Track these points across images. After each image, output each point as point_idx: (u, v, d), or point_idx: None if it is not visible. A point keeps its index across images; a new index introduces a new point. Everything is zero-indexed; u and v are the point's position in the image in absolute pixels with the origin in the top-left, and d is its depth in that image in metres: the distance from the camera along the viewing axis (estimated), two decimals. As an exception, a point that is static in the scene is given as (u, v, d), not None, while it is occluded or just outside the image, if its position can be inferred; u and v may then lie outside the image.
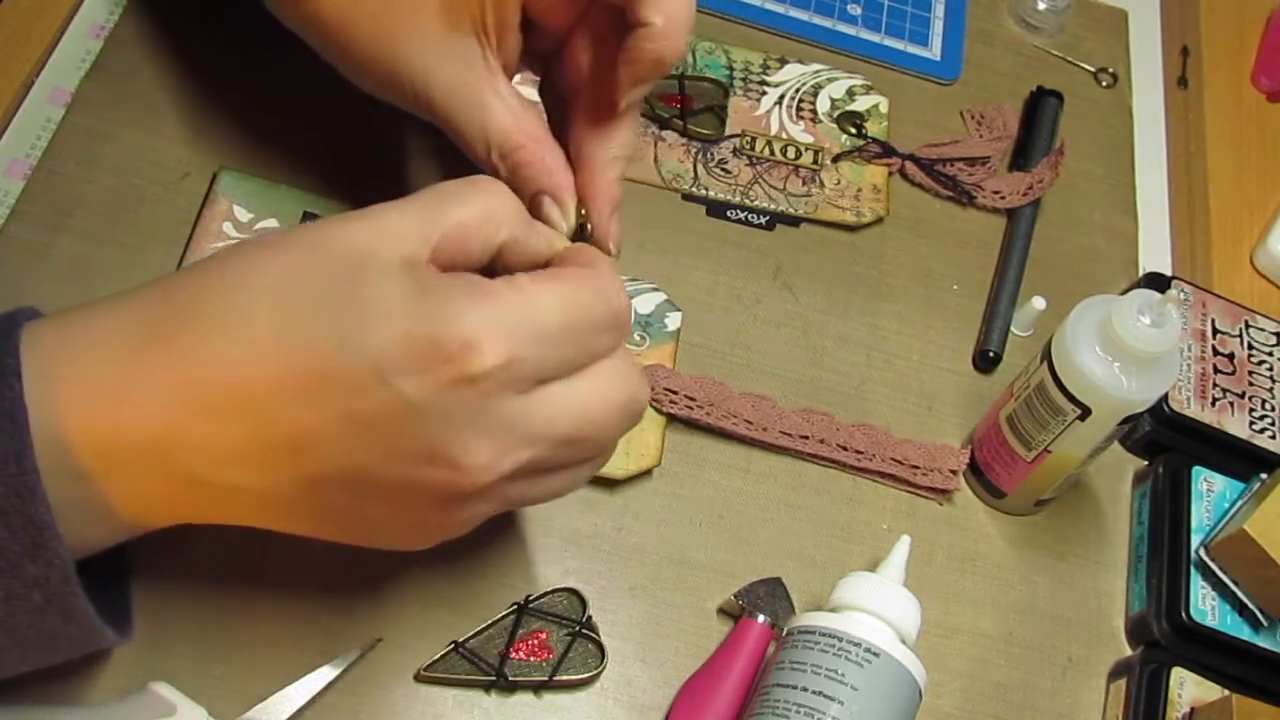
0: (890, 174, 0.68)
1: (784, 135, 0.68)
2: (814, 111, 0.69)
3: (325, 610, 0.50)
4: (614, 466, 0.55)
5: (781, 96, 0.69)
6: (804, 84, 0.70)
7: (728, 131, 0.67)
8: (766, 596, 0.53)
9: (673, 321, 0.60)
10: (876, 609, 0.49)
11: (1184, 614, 0.55)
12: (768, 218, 0.65)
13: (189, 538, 0.50)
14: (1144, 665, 0.55)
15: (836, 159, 0.67)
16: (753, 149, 0.66)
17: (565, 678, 0.50)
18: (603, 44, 0.47)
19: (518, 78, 0.62)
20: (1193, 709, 0.53)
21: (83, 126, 0.58)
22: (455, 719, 0.50)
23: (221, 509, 0.40)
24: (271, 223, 0.57)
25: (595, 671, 0.51)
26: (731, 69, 0.69)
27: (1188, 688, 0.54)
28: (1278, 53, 0.76)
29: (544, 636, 0.51)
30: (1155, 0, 0.81)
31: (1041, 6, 0.76)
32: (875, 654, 0.47)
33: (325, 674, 0.48)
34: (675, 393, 0.57)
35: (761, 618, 0.53)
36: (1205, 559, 0.56)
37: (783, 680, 0.48)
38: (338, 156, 0.60)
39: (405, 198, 0.39)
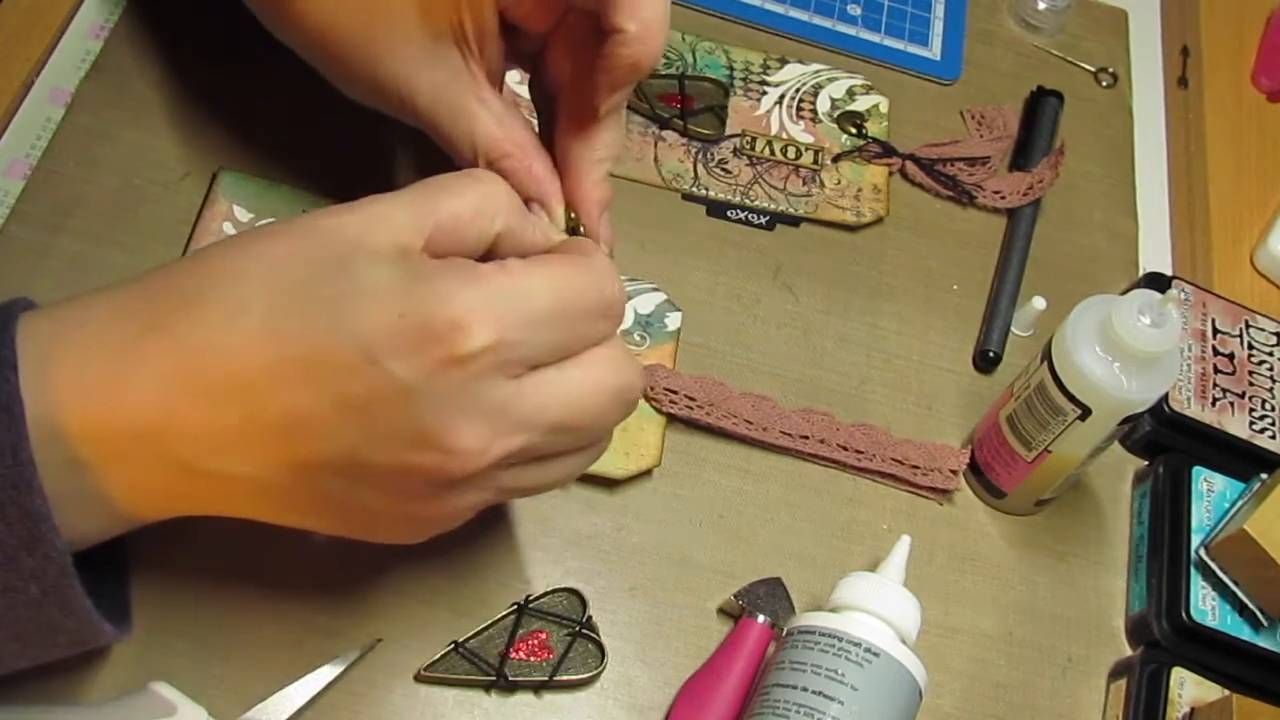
0: (890, 174, 0.68)
1: (784, 135, 0.68)
2: (814, 111, 0.69)
3: (325, 610, 0.50)
4: (614, 466, 0.55)
5: (781, 96, 0.69)
6: (804, 84, 0.70)
7: (728, 131, 0.67)
8: (766, 596, 0.53)
9: (673, 321, 0.60)
10: (876, 609, 0.49)
11: (1184, 614, 0.55)
12: (768, 218, 0.65)
13: (189, 537, 0.50)
14: (1144, 665, 0.55)
15: (836, 159, 0.67)
16: (753, 149, 0.66)
17: (565, 678, 0.50)
18: (581, 48, 0.47)
19: (517, 77, 0.63)
20: (1193, 709, 0.53)
21: (83, 126, 0.58)
22: (455, 719, 0.50)
23: (217, 498, 0.40)
24: (271, 223, 0.57)
25: (595, 671, 0.51)
26: (731, 69, 0.69)
27: (1188, 688, 0.54)
28: (1278, 53, 0.76)
29: (544, 636, 0.51)
30: (1155, 0, 0.82)
31: (1041, 6, 0.76)
32: (875, 654, 0.47)
33: (325, 674, 0.48)
34: (675, 393, 0.57)
35: (761, 618, 0.53)
36: (1205, 559, 0.56)
37: (783, 680, 0.48)
38: (337, 156, 0.60)
39: (401, 189, 0.40)
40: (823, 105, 0.69)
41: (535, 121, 0.51)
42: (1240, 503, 0.58)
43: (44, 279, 0.54)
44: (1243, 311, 0.65)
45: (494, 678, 0.50)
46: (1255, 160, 0.73)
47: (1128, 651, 0.58)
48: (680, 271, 0.62)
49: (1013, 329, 0.65)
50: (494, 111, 0.47)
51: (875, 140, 0.68)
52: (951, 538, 0.59)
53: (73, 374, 0.37)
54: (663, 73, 0.67)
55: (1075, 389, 0.52)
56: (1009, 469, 0.57)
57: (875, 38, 0.73)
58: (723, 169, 0.66)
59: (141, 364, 0.37)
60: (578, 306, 0.39)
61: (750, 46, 0.71)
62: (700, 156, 0.66)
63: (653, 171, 0.65)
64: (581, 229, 0.47)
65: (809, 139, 0.68)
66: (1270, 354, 0.64)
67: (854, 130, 0.69)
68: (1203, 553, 0.57)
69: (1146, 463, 0.63)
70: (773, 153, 0.67)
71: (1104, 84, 0.76)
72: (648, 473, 0.56)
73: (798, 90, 0.70)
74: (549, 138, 0.49)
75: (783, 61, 0.70)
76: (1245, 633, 0.56)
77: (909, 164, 0.68)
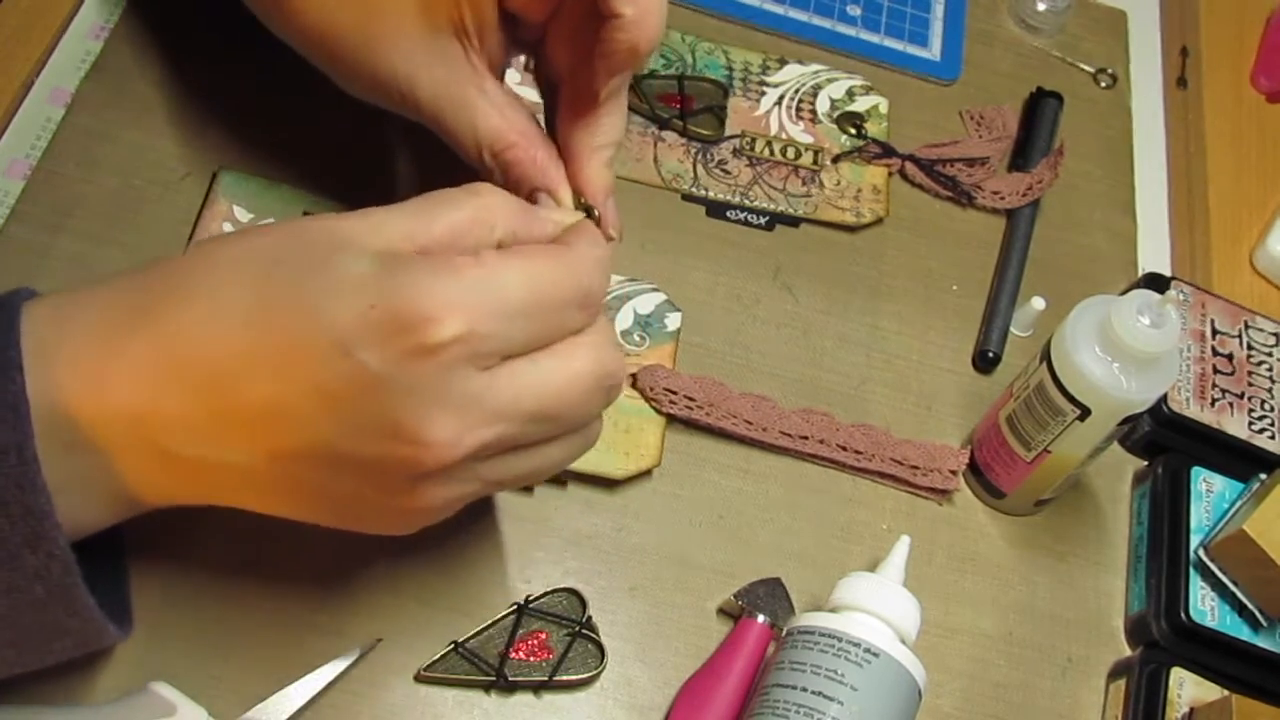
0: (890, 174, 0.68)
1: (784, 136, 0.68)
2: (814, 112, 0.69)
3: (325, 610, 0.50)
4: (614, 466, 0.55)
5: (781, 97, 0.69)
6: (804, 84, 0.70)
7: (727, 132, 0.67)
8: (766, 596, 0.53)
9: (673, 321, 0.60)
10: (876, 609, 0.49)
11: (1183, 614, 0.55)
12: (767, 218, 0.65)
13: (189, 537, 0.50)
14: (1144, 665, 0.55)
15: (836, 159, 0.68)
16: (752, 149, 0.66)
17: (565, 678, 0.50)
18: (580, 35, 0.47)
19: (517, 76, 0.63)
20: (1192, 709, 0.53)
21: (83, 126, 0.58)
22: (455, 719, 0.50)
23: (204, 486, 0.41)
24: (271, 223, 0.57)
25: (595, 672, 0.51)
26: (731, 69, 0.69)
27: (1187, 688, 0.54)
28: (1278, 53, 0.76)
29: (544, 637, 0.51)
30: (1155, 0, 0.82)
31: (1041, 7, 0.76)
32: (875, 654, 0.47)
33: (325, 674, 0.48)
34: (675, 393, 0.57)
35: (761, 618, 0.53)
36: (1205, 559, 0.56)
37: (782, 680, 0.48)
38: (337, 156, 0.60)
39: (400, 203, 0.40)
40: (822, 106, 0.69)
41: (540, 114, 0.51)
42: (1239, 503, 0.58)
43: (44, 279, 0.54)
44: (1242, 312, 0.65)
45: (494, 678, 0.50)
46: (1255, 160, 0.73)
47: (1127, 651, 0.58)
48: (680, 272, 0.62)
49: (1012, 329, 0.65)
50: (496, 103, 0.47)
51: (875, 141, 0.68)
52: (951, 538, 0.59)
53: (69, 362, 0.38)
54: (662, 73, 0.67)
55: (1075, 389, 0.52)
56: (1009, 469, 0.57)
57: (875, 38, 0.73)
58: (722, 169, 0.66)
59: (126, 351, 0.38)
60: (553, 297, 0.39)
61: (750, 47, 0.71)
62: (700, 157, 0.66)
63: (652, 172, 0.65)
64: (596, 212, 0.47)
65: (809, 139, 0.68)
66: (1269, 354, 0.64)
67: (854, 131, 0.69)
68: (1202, 553, 0.57)
69: (1146, 463, 0.63)
70: (772, 153, 0.67)
71: (1103, 85, 0.76)
72: (648, 473, 0.56)
73: (797, 91, 0.70)
74: (553, 127, 0.49)
75: (782, 62, 0.70)
76: (1244, 633, 0.56)
77: (908, 164, 0.68)
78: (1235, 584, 0.56)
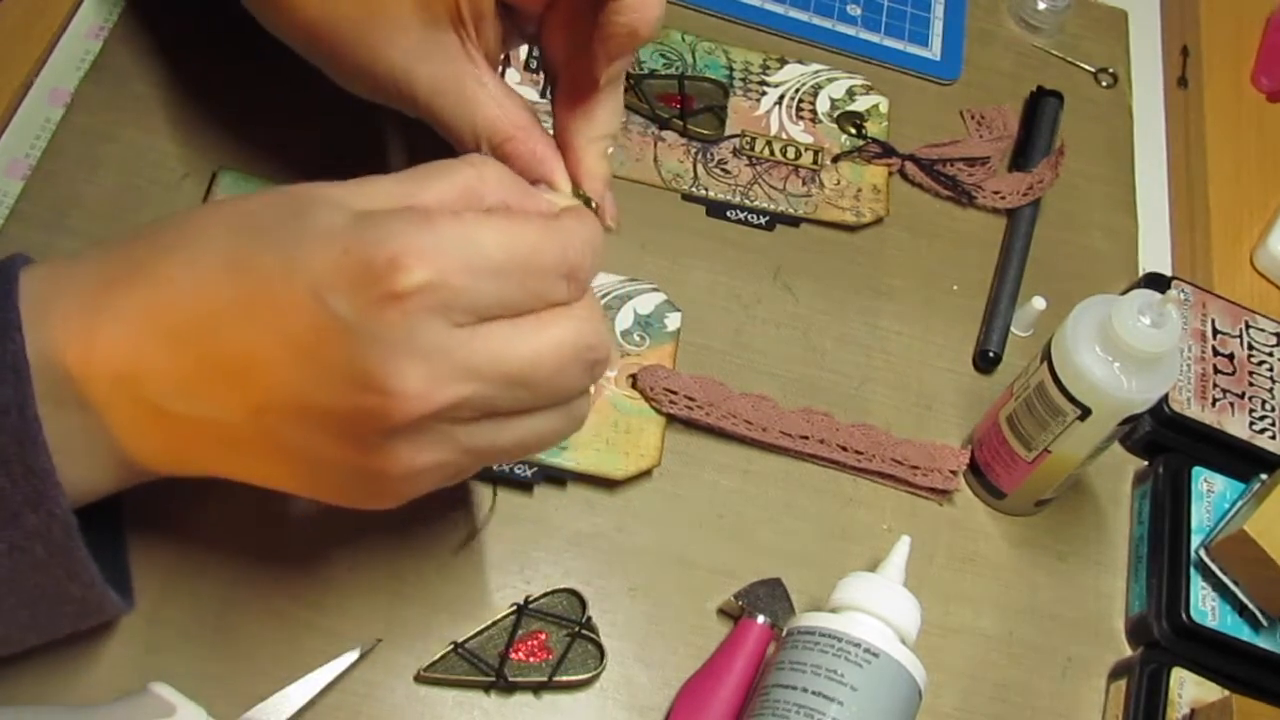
0: (890, 174, 0.68)
1: (784, 135, 0.68)
2: (814, 112, 0.69)
3: (325, 610, 0.50)
4: (614, 466, 0.55)
5: (781, 97, 0.69)
6: (804, 84, 0.70)
7: (728, 132, 0.67)
8: (766, 597, 0.53)
9: (673, 321, 0.60)
10: (876, 609, 0.49)
11: (1184, 614, 0.55)
12: (767, 218, 0.65)
13: (189, 536, 0.50)
14: (1144, 665, 0.55)
15: (836, 159, 0.67)
16: (753, 149, 0.66)
17: (565, 678, 0.50)
18: (577, 23, 0.47)
19: (517, 76, 0.63)
20: (1193, 709, 0.53)
21: (83, 126, 0.58)
22: (455, 719, 0.50)
23: (191, 448, 0.41)
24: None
25: (595, 672, 0.51)
26: (731, 69, 0.69)
27: (1188, 688, 0.54)
28: (1278, 53, 0.76)
29: (544, 637, 0.51)
30: (1155, 0, 0.82)
31: (1041, 6, 0.76)
32: (875, 654, 0.47)
33: (325, 674, 0.48)
34: (675, 393, 0.57)
35: (761, 618, 0.53)
36: (1205, 559, 0.56)
37: (782, 681, 0.48)
38: (337, 157, 0.60)
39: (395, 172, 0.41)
40: (822, 105, 0.69)
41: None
42: (1240, 503, 0.58)
43: (44, 279, 0.54)
44: (1243, 312, 0.65)
45: (494, 678, 0.50)
46: (1255, 160, 0.73)
47: (1128, 652, 0.58)
48: (680, 271, 0.62)
49: (1012, 329, 0.65)
50: (494, 95, 0.47)
51: (875, 140, 0.68)
52: (951, 538, 0.59)
53: (61, 320, 0.38)
54: (662, 73, 0.67)
55: (1075, 389, 0.52)
56: (1009, 469, 0.57)
57: (875, 38, 0.73)
58: (722, 169, 0.66)
59: (115, 305, 0.38)
60: (533, 263, 0.39)
61: (750, 47, 0.71)
62: (700, 157, 0.66)
63: (652, 172, 0.65)
64: (592, 205, 0.47)
65: (809, 139, 0.68)
66: (1270, 354, 0.64)
67: (854, 130, 0.69)
68: (1203, 553, 0.57)
69: (1146, 463, 0.63)
70: (772, 153, 0.67)
71: (1104, 84, 0.76)
72: (648, 473, 0.56)
73: (797, 90, 0.70)
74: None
75: (782, 62, 0.70)
76: (1245, 633, 0.56)
77: (909, 164, 0.68)
78: (1236, 584, 0.56)
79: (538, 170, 0.47)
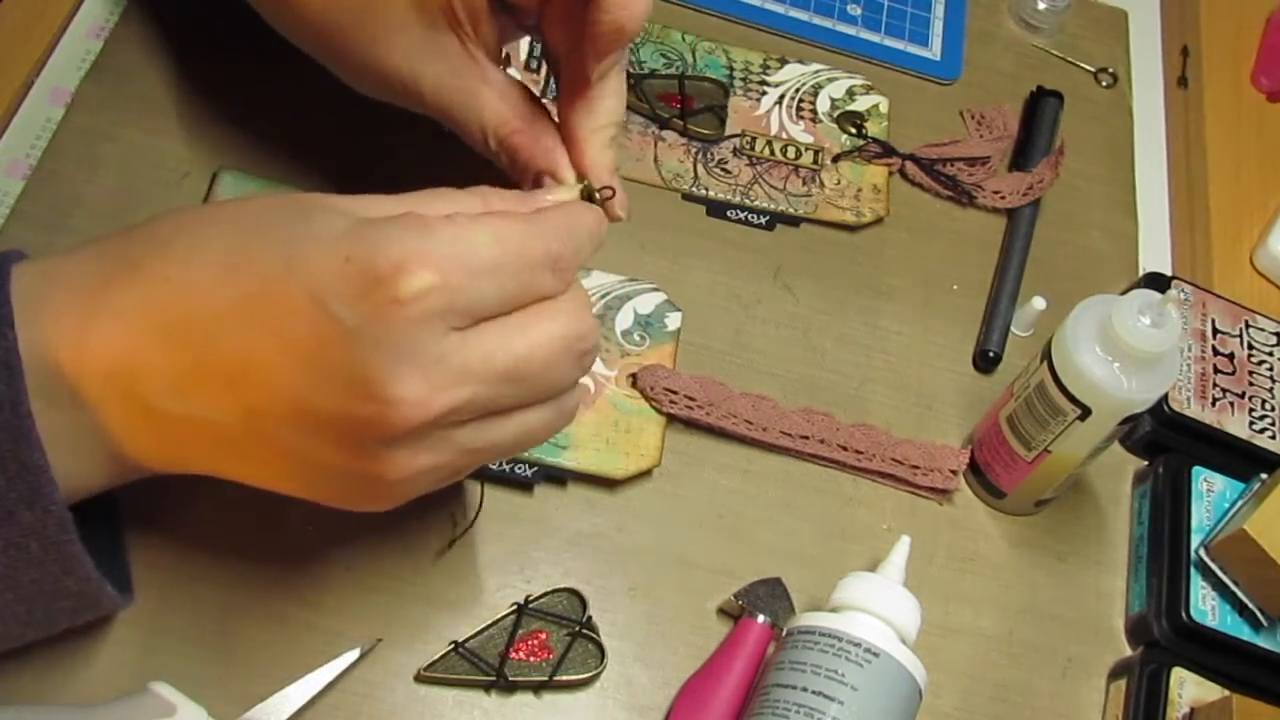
0: (890, 174, 0.68)
1: (784, 135, 0.68)
2: (814, 111, 0.69)
3: (325, 610, 0.50)
4: (614, 466, 0.55)
5: (781, 96, 0.69)
6: (804, 84, 0.70)
7: (728, 131, 0.67)
8: (766, 596, 0.53)
9: (673, 321, 0.60)
10: (876, 609, 0.49)
11: (1184, 614, 0.55)
12: (768, 218, 0.65)
13: (189, 537, 0.50)
14: (1144, 665, 0.55)
15: (836, 159, 0.67)
16: (753, 149, 0.66)
17: (565, 678, 0.50)
18: (573, 18, 0.47)
19: (517, 75, 0.63)
20: (1193, 709, 0.53)
21: (83, 126, 0.58)
22: (455, 719, 0.50)
23: (185, 448, 0.40)
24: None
25: (595, 672, 0.51)
26: (731, 69, 0.69)
27: (1188, 688, 0.54)
28: (1278, 53, 0.76)
29: (544, 637, 0.51)
30: (1155, 0, 0.82)
31: (1041, 6, 0.76)
32: (875, 654, 0.47)
33: (325, 674, 0.48)
34: (675, 393, 0.57)
35: (761, 618, 0.53)
36: (1205, 559, 0.56)
37: (782, 680, 0.48)
38: (338, 156, 0.60)
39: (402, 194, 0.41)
40: (823, 105, 0.69)
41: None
42: (1240, 503, 0.58)
43: (44, 279, 0.54)
44: (1243, 311, 0.65)
45: (494, 678, 0.50)
46: (1255, 160, 0.73)
47: (1128, 651, 0.58)
48: (680, 271, 0.62)
49: (1013, 329, 0.65)
50: (498, 89, 0.48)
51: (875, 140, 0.68)
52: (951, 538, 0.59)
53: (54, 316, 0.38)
54: (663, 73, 0.67)
55: (1075, 389, 0.52)
56: (1009, 469, 0.57)
57: (875, 38, 0.73)
58: (723, 169, 0.66)
59: (109, 302, 0.38)
60: (521, 258, 0.39)
61: (750, 46, 0.71)
62: (700, 156, 0.66)
63: (653, 171, 0.65)
64: (596, 195, 0.47)
65: (809, 139, 0.68)
66: (1270, 354, 0.64)
67: (854, 130, 0.69)
68: (1203, 553, 0.57)
69: (1146, 463, 0.63)
70: (773, 153, 0.67)
71: (1104, 84, 0.76)
72: (648, 473, 0.56)
73: (798, 90, 0.70)
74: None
75: (783, 61, 0.70)
76: (1245, 633, 0.56)
77: (909, 164, 0.68)
78: (1236, 584, 0.56)
79: (543, 161, 0.47)
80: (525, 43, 0.66)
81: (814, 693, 0.47)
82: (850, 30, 0.73)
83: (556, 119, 0.49)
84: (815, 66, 0.71)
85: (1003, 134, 0.70)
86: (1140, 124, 0.75)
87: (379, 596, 0.51)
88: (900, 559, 0.52)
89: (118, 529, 0.47)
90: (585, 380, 0.55)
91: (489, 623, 0.51)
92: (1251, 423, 0.61)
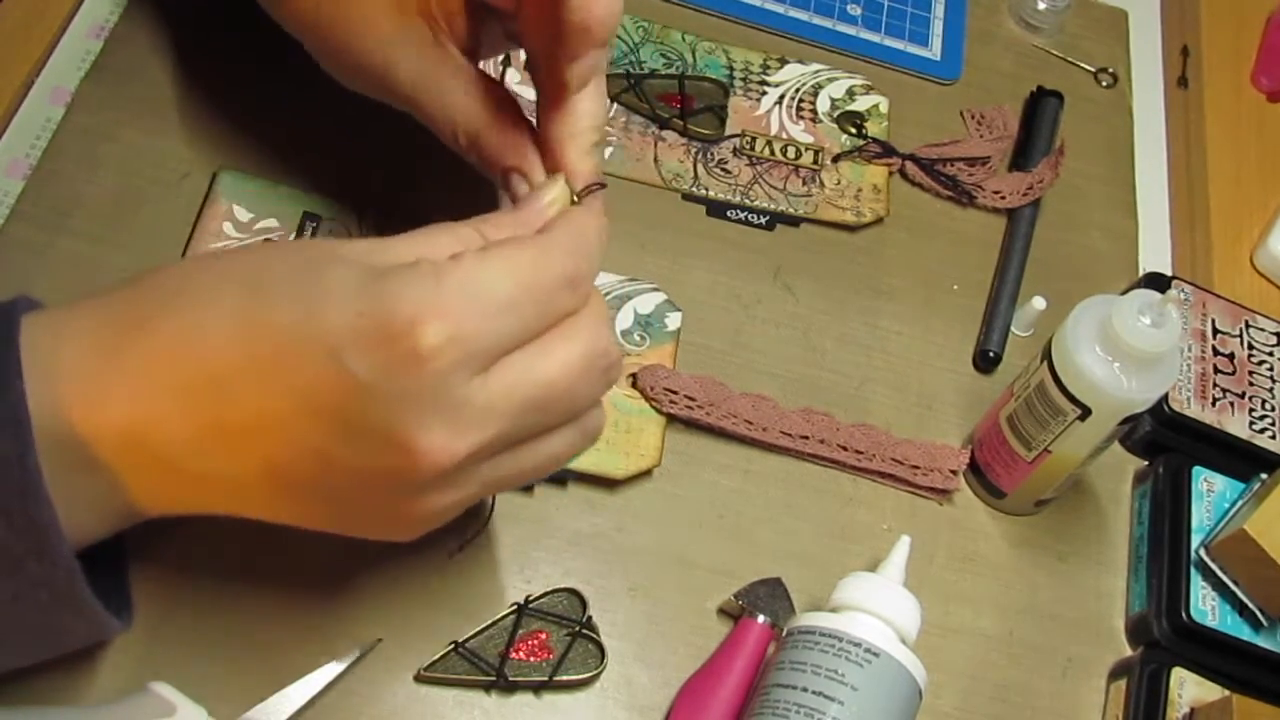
0: (890, 174, 0.68)
1: (784, 135, 0.68)
2: (814, 111, 0.69)
3: (325, 610, 0.50)
4: (614, 466, 0.55)
5: (781, 96, 0.69)
6: (804, 84, 0.70)
7: (728, 131, 0.67)
8: (766, 596, 0.53)
9: (673, 321, 0.60)
10: (876, 609, 0.49)
11: (1184, 614, 0.55)
12: (768, 218, 0.65)
13: (189, 538, 0.50)
14: (1144, 665, 0.55)
15: (836, 159, 0.67)
16: (753, 149, 0.66)
17: (565, 678, 0.50)
18: (546, 22, 0.47)
19: (517, 76, 0.63)
20: (1193, 709, 0.53)
21: (83, 126, 0.58)
22: (455, 719, 0.50)
23: (205, 497, 0.40)
24: (271, 223, 0.57)
25: (595, 672, 0.51)
26: (731, 69, 0.69)
27: (1188, 688, 0.54)
28: (1278, 53, 0.76)
29: (544, 637, 0.51)
30: (1155, 0, 0.82)
31: (1041, 6, 0.76)
32: (875, 654, 0.47)
33: (325, 674, 0.48)
34: (675, 393, 0.57)
35: (761, 618, 0.53)
36: (1205, 559, 0.56)
37: (783, 680, 0.48)
38: (338, 157, 0.60)
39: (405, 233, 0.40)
40: (823, 105, 0.69)
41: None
42: (1240, 503, 0.58)
43: (44, 279, 0.54)
44: (1243, 311, 0.65)
45: (494, 678, 0.50)
46: (1255, 160, 0.73)
47: (1128, 651, 0.58)
48: (680, 271, 0.62)
49: (1013, 329, 0.65)
50: (470, 86, 0.47)
51: (875, 140, 0.68)
52: (951, 538, 0.59)
53: (67, 376, 0.37)
54: (663, 73, 0.67)
55: (1075, 389, 0.52)
56: (1009, 469, 0.57)
57: (875, 38, 0.73)
58: (723, 169, 0.66)
59: (123, 364, 0.38)
60: (538, 284, 0.38)
61: (750, 46, 0.71)
62: (700, 156, 0.66)
63: (653, 171, 0.65)
64: (575, 198, 0.46)
65: (809, 139, 0.68)
66: (1270, 354, 0.64)
67: (854, 130, 0.69)
68: (1203, 553, 0.57)
69: (1146, 463, 0.63)
70: (773, 153, 0.67)
71: (1104, 84, 0.76)
72: (648, 473, 0.56)
73: (798, 90, 0.70)
74: None
75: (783, 61, 0.70)
76: (1245, 633, 0.56)
77: (909, 164, 0.68)
78: (1236, 584, 0.56)
79: (510, 157, 0.47)
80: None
81: (814, 693, 0.47)
82: (850, 30, 0.73)
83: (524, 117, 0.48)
84: (815, 66, 0.71)
85: (1003, 134, 0.70)
86: (1140, 124, 0.75)
87: (379, 596, 0.51)
88: (900, 559, 0.52)
89: (122, 552, 0.46)
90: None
91: (489, 623, 0.51)
92: (1251, 423, 0.61)
